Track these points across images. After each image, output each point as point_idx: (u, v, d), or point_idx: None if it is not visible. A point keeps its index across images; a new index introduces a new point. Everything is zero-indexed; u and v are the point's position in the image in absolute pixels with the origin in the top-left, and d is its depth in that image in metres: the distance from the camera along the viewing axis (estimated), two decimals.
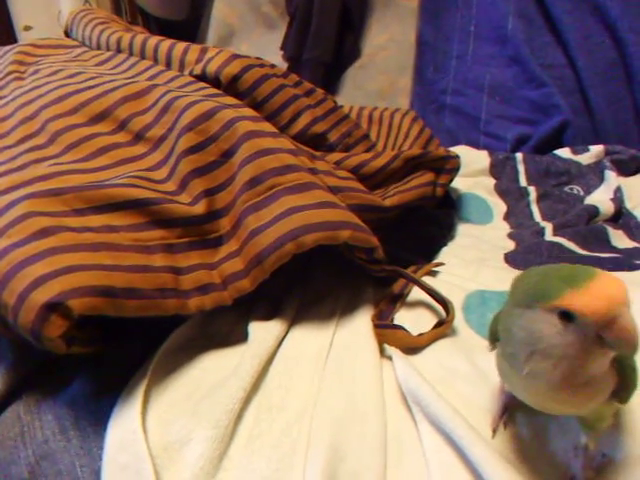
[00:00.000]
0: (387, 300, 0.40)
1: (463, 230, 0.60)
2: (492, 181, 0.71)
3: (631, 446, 0.27)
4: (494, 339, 0.27)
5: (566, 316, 0.21)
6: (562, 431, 0.28)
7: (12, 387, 0.36)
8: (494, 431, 0.28)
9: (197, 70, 0.49)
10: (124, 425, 0.30)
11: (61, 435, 0.33)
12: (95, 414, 0.33)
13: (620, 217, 0.62)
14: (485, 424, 0.28)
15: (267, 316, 0.39)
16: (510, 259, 0.50)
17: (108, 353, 0.37)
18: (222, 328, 0.40)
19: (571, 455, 0.27)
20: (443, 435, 0.27)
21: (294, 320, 0.39)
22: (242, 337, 0.37)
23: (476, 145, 0.79)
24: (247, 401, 0.32)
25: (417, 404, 0.29)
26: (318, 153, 0.51)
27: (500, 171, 0.73)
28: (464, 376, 0.32)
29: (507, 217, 0.65)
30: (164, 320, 0.37)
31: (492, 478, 0.24)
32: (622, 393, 0.24)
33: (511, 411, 0.29)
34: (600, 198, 0.63)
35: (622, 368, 0.23)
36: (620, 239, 0.56)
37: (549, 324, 0.21)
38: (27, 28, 1.20)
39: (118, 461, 0.29)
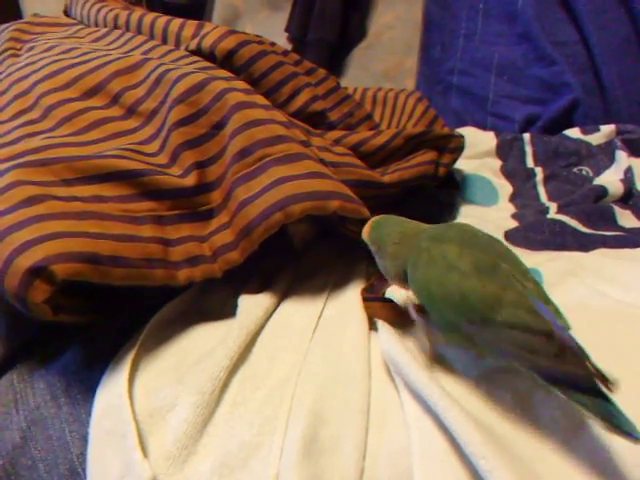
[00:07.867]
0: (379, 274, 0.40)
1: (466, 211, 0.59)
2: (498, 162, 0.69)
3: None
4: None
5: None
6: (547, 398, 0.27)
7: (7, 357, 0.37)
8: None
9: (193, 45, 0.49)
10: (111, 391, 0.31)
11: (52, 402, 0.34)
12: (85, 382, 0.34)
13: (630, 198, 0.60)
14: (467, 392, 0.28)
15: (259, 290, 0.38)
16: (509, 236, 0.49)
17: (102, 325, 0.37)
18: (215, 303, 0.40)
19: None
20: (422, 403, 0.26)
21: (286, 293, 0.39)
22: (235, 312, 0.37)
23: (483, 126, 0.77)
24: (233, 370, 0.32)
25: (398, 373, 0.29)
26: (317, 131, 0.50)
27: (507, 152, 0.71)
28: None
29: (513, 199, 0.63)
30: (158, 294, 0.37)
31: (467, 443, 0.23)
32: None
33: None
34: (609, 179, 0.61)
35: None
36: (627, 219, 0.54)
37: None
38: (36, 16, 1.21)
39: (104, 426, 0.30)
